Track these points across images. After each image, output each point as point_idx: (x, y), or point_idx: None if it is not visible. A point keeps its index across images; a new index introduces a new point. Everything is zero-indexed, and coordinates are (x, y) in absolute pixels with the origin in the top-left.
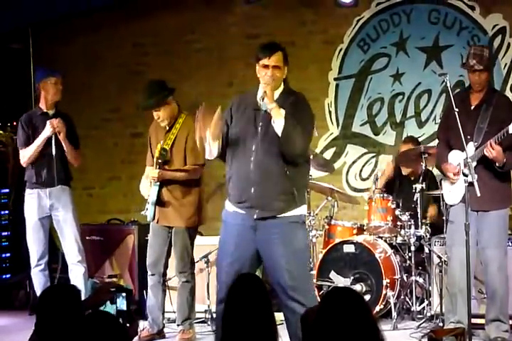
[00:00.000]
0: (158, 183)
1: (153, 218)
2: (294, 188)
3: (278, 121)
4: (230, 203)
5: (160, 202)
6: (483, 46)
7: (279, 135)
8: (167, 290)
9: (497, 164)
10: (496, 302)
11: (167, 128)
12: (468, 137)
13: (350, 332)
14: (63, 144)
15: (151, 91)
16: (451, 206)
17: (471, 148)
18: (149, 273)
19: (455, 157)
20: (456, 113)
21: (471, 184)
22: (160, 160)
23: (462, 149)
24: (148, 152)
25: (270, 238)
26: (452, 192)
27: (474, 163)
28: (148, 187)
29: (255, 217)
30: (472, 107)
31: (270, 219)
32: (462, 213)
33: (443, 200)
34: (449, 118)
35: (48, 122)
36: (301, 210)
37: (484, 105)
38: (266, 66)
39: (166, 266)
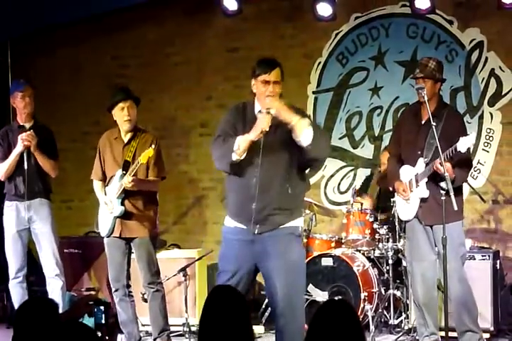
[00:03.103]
0: (123, 195)
1: (111, 232)
2: (294, 204)
3: (307, 131)
4: (229, 218)
5: (123, 214)
6: (432, 58)
7: (309, 144)
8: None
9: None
10: (463, 313)
11: (125, 141)
12: (419, 152)
13: None
14: (36, 156)
15: (126, 89)
16: (406, 222)
17: (421, 163)
18: (113, 289)
19: (406, 172)
20: (433, 127)
21: (423, 200)
22: (134, 169)
23: (413, 164)
24: (96, 165)
25: (266, 250)
26: (405, 208)
27: (425, 179)
28: (109, 204)
29: (256, 232)
30: (423, 122)
31: (268, 232)
32: (418, 228)
33: (397, 217)
34: (400, 133)
35: (19, 137)
36: (298, 222)
37: (434, 120)
38: (267, 82)
39: (128, 277)
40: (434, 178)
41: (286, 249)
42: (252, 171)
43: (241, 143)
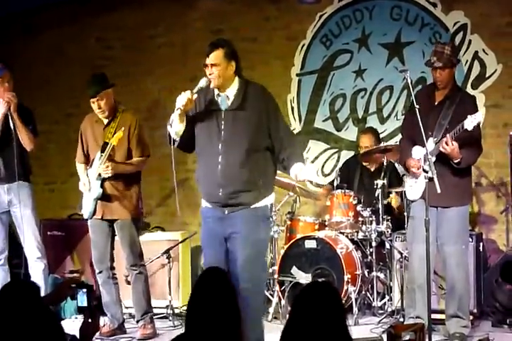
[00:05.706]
0: (102, 177)
1: (93, 214)
2: (261, 181)
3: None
4: (203, 200)
5: (103, 196)
6: (446, 44)
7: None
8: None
9: (454, 160)
10: (454, 297)
11: (105, 123)
12: (430, 133)
13: (322, 327)
14: (14, 118)
15: (94, 81)
16: (412, 202)
17: (430, 143)
18: (97, 271)
19: (417, 152)
20: (416, 109)
21: (431, 179)
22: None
23: (423, 145)
24: (79, 148)
25: (236, 227)
26: (413, 188)
27: (434, 159)
28: (87, 185)
29: (226, 212)
30: (436, 103)
31: (238, 211)
32: (422, 209)
33: (405, 196)
34: (413, 114)
35: None
36: (267, 200)
37: (447, 102)
38: (206, 65)
39: (112, 260)
40: (443, 159)
41: (254, 230)
42: (215, 158)
43: (173, 117)
